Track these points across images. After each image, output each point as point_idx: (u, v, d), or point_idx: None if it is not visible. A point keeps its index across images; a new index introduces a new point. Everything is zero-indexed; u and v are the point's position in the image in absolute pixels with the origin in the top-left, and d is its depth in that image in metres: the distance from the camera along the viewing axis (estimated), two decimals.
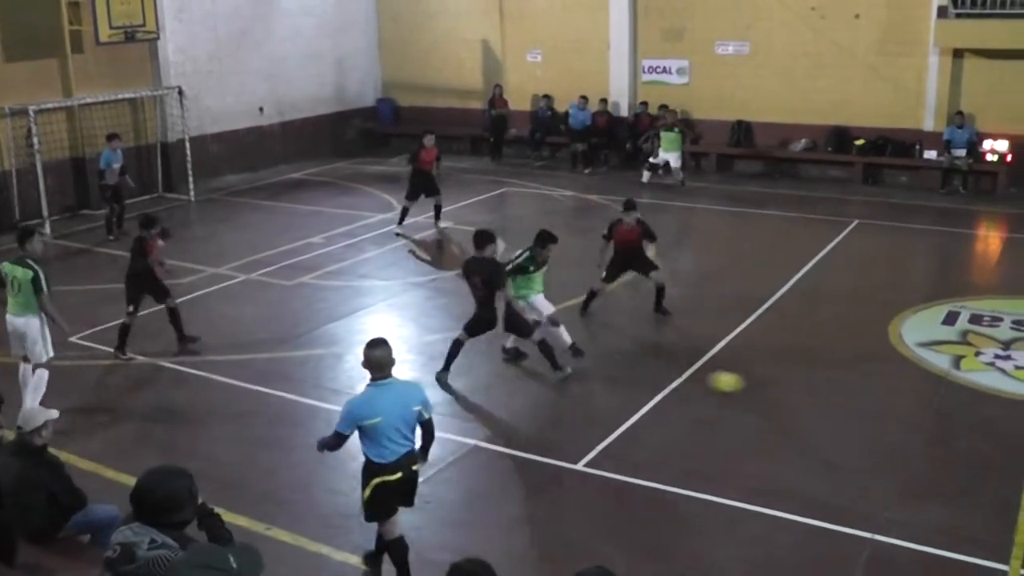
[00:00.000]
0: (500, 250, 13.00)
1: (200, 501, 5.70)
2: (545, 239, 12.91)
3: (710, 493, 9.59)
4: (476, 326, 12.52)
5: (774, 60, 25.10)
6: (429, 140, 19.84)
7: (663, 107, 24.81)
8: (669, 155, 23.94)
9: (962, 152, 23.00)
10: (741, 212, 21.86)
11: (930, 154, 23.57)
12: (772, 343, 13.64)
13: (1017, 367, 12.75)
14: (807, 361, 13.10)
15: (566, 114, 26.81)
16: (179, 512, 5.39)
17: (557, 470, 10.19)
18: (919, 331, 14.01)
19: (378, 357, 7.66)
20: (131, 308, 13.32)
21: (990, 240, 20.64)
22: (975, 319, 14.47)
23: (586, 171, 25.81)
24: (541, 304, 13.08)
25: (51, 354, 11.56)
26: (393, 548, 8.07)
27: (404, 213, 19.92)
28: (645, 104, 26.20)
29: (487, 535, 9.00)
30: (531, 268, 12.91)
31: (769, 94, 25.13)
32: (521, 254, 13.09)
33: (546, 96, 27.39)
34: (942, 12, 22.81)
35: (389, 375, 7.70)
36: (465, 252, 18.36)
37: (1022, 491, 9.55)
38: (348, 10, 29.32)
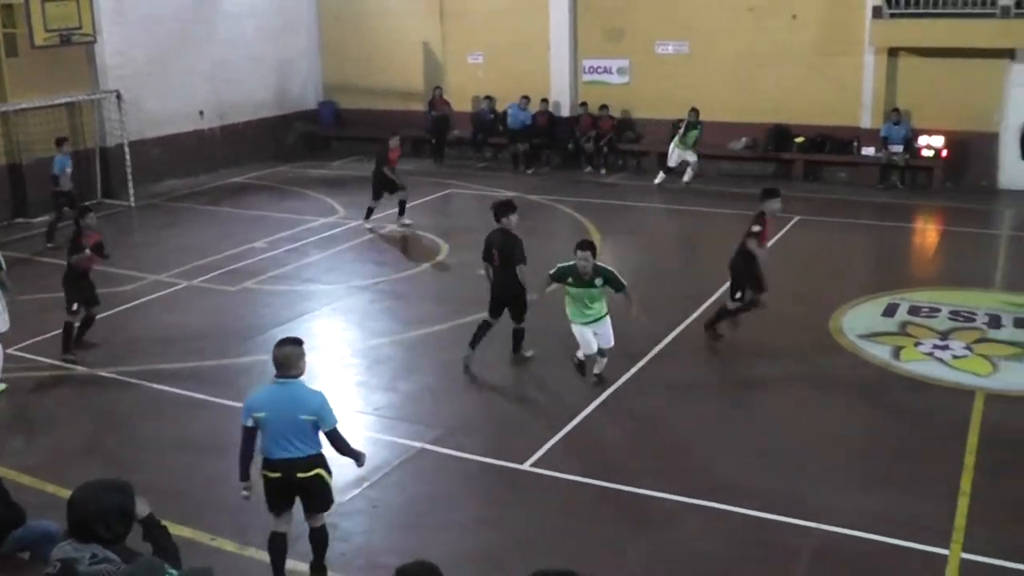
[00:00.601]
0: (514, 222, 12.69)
1: (148, 512, 5.63)
2: (592, 247, 11.73)
3: (657, 489, 9.67)
4: (494, 305, 12.66)
5: (714, 59, 25.31)
6: (395, 141, 20.27)
7: (693, 111, 23.92)
8: (688, 154, 23.72)
9: (899, 148, 23.37)
10: (682, 210, 22.03)
11: (868, 150, 23.91)
12: (714, 340, 13.75)
13: (955, 356, 13.00)
14: (750, 355, 13.23)
15: (506, 114, 26.85)
16: (107, 528, 5.26)
17: (505, 471, 10.20)
18: (860, 323, 14.22)
19: (277, 355, 7.79)
20: (74, 307, 13.24)
21: (927, 233, 20.99)
22: (914, 310, 14.71)
23: (528, 171, 25.89)
24: (580, 338, 11.97)
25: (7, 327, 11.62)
26: (270, 541, 8.04)
27: (371, 212, 20.25)
28: (585, 104, 26.30)
29: (435, 537, 8.97)
30: (569, 279, 11.76)
31: (709, 93, 25.27)
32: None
33: (488, 97, 27.42)
34: (877, 12, 23.18)
35: (291, 375, 7.77)
36: (418, 249, 18.55)
37: (961, 477, 9.75)
38: (289, 12, 29.16)
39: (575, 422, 11.17)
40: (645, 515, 9.39)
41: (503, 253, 12.35)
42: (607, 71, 26.67)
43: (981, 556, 8.43)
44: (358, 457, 8.15)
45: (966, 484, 9.62)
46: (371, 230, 20.06)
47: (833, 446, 10.64)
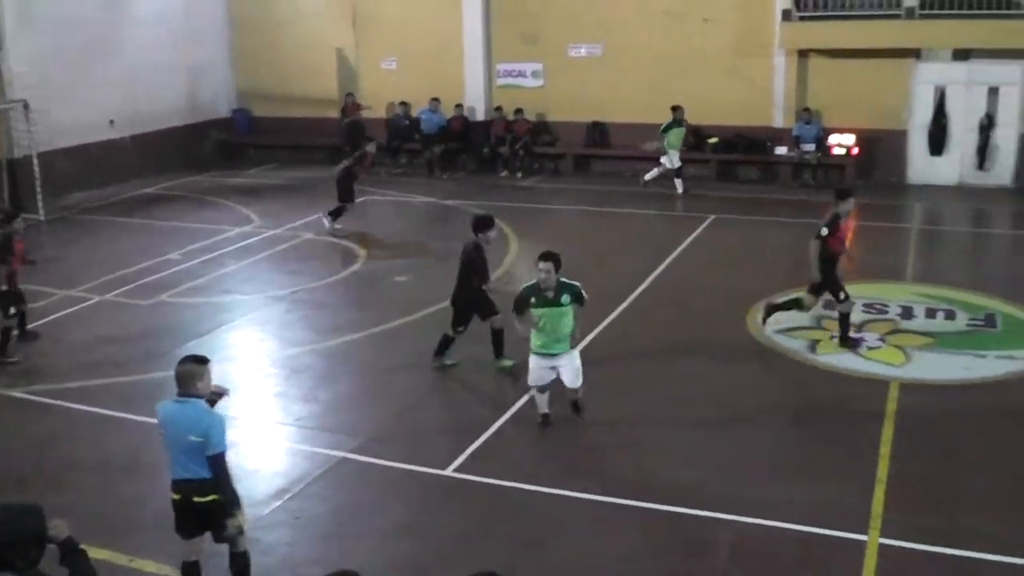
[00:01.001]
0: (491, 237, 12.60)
1: (66, 535, 5.49)
2: (555, 258, 10.58)
3: (579, 490, 9.69)
4: (454, 317, 12.60)
5: (627, 62, 25.51)
6: (372, 147, 20.88)
7: (676, 108, 23.61)
8: (674, 152, 23.51)
9: (811, 147, 23.82)
10: (599, 212, 22.18)
11: (781, 150, 24.29)
12: (634, 337, 13.87)
13: (869, 348, 13.26)
14: (669, 353, 13.35)
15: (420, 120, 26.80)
16: (23, 556, 5.07)
17: (427, 477, 10.14)
18: (775, 318, 14.35)
19: (177, 372, 7.49)
20: (11, 311, 13.34)
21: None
22: (828, 304, 14.86)
23: (444, 176, 25.86)
24: (536, 371, 10.84)
25: None
26: (182, 571, 7.78)
27: (341, 212, 20.39)
28: (500, 108, 26.36)
29: (358, 547, 8.90)
30: (532, 301, 10.53)
31: (624, 95, 25.52)
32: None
33: (403, 103, 27.29)
34: (786, 15, 23.61)
35: (190, 394, 7.41)
36: (335, 257, 18.41)
37: (878, 465, 9.93)
38: (200, 18, 28.71)
39: (496, 426, 11.15)
40: (567, 517, 9.39)
41: (462, 265, 12.32)
42: (521, 74, 26.78)
43: (898, 540, 8.61)
44: (231, 501, 7.48)
45: (883, 472, 9.80)
46: (334, 233, 20.10)
47: (752, 440, 10.76)
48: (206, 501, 7.40)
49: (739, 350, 13.36)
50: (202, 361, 7.56)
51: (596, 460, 10.44)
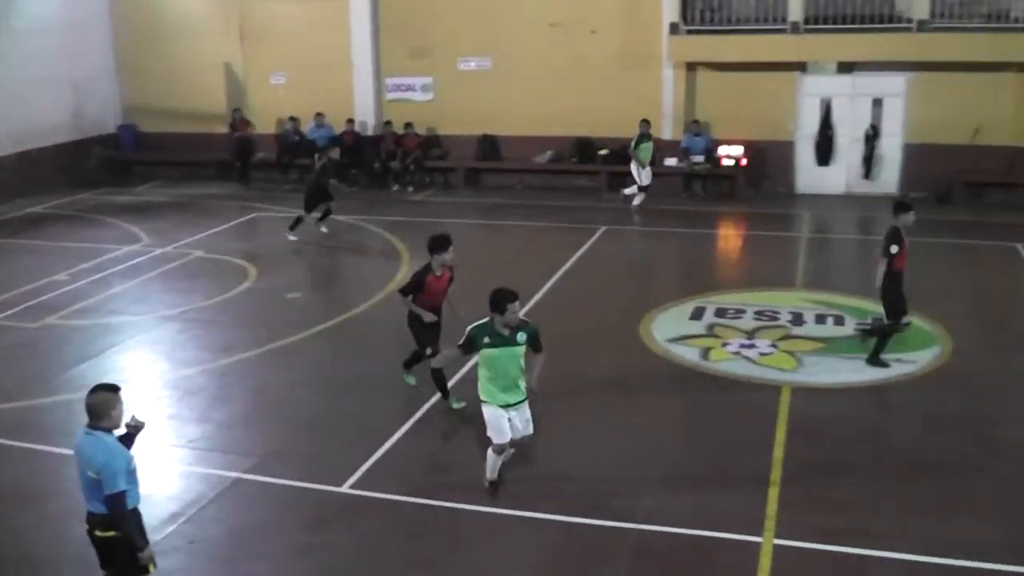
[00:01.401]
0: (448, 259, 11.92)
1: None
2: (498, 300, 9.45)
3: (476, 503, 9.67)
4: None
5: (517, 75, 25.63)
6: (336, 152, 21.44)
7: (644, 122, 23.36)
8: (644, 168, 23.14)
9: (700, 158, 24.25)
10: (491, 225, 22.22)
11: (671, 161, 24.61)
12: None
13: (761, 354, 13.48)
14: (562, 363, 13.28)
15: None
16: None
17: (323, 495, 10.02)
18: (668, 328, 14.58)
19: (87, 403, 7.08)
20: None
21: (731, 238, 21.73)
22: (720, 312, 15.18)
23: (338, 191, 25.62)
24: (494, 423, 9.56)
25: None
26: None
27: (299, 221, 20.61)
28: (390, 122, 26.26)
29: (256, 569, 8.78)
30: (486, 340, 9.43)
31: (513, 108, 25.64)
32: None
33: (292, 119, 27.03)
34: (674, 28, 23.95)
35: (100, 427, 7.00)
36: (226, 275, 18.11)
37: (771, 468, 10.11)
38: (83, 30, 27.94)
39: (391, 441, 11.07)
40: (463, 530, 9.37)
41: None
42: (411, 88, 26.73)
43: (792, 540, 8.78)
44: (138, 545, 7.07)
45: (776, 474, 9.98)
46: (295, 240, 20.23)
47: (648, 447, 10.84)
48: (107, 536, 7.09)
49: (633, 359, 13.48)
50: (115, 389, 7.16)
51: (483, 473, 10.40)
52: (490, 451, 9.65)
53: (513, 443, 9.61)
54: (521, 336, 9.46)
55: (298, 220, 20.45)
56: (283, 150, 27.14)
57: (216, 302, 16.63)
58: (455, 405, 11.78)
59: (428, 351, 11.74)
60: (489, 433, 9.55)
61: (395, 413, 11.81)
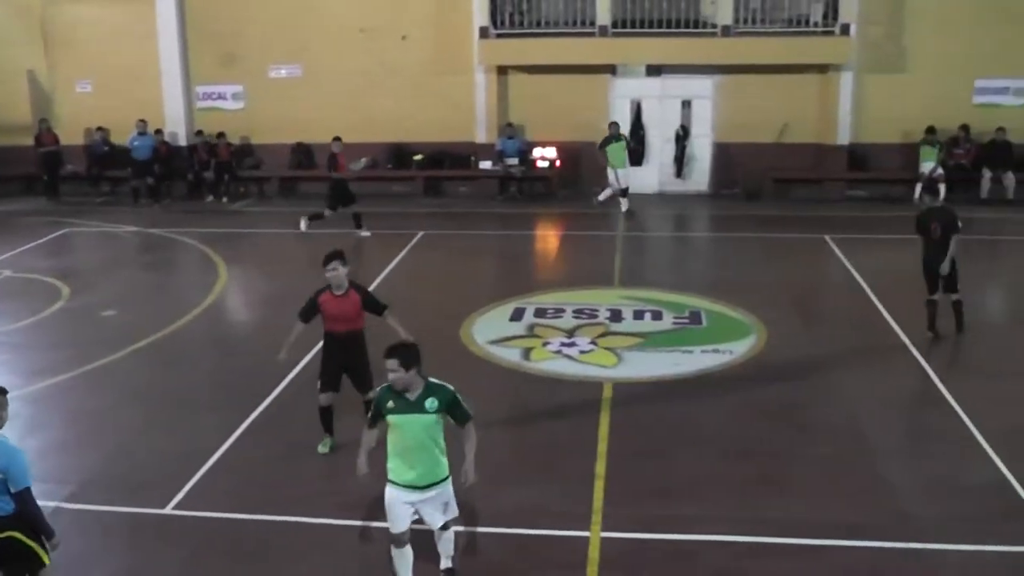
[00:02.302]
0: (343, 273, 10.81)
1: None
2: (402, 353, 7.86)
3: (302, 515, 9.40)
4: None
5: (328, 82, 25.33)
6: (337, 146, 20.85)
7: (613, 124, 23.19)
8: (619, 170, 22.70)
9: (515, 160, 24.34)
10: (307, 233, 21.77)
11: (485, 164, 24.70)
12: None
13: (582, 352, 13.50)
14: (382, 373, 13.12)
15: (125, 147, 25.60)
16: None
17: (146, 518, 9.54)
18: (489, 330, 14.49)
19: None
20: None
21: (548, 239, 21.84)
22: (540, 312, 15.18)
23: (151, 204, 24.77)
24: (392, 511, 7.93)
25: None
26: None
27: (319, 217, 20.79)
28: (201, 132, 25.52)
29: None
30: (389, 404, 7.84)
31: (326, 115, 25.26)
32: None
33: (100, 128, 26.06)
34: (483, 32, 24.00)
35: None
36: (36, 295, 17.19)
37: (596, 462, 10.11)
38: None
39: (214, 458, 10.62)
40: (291, 544, 9.02)
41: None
42: (222, 97, 26.10)
43: (619, 532, 8.78)
44: (49, 533, 7.23)
45: (601, 468, 9.98)
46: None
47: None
48: (1, 538, 7.02)
49: (455, 363, 13.26)
50: (3, 392, 7.13)
51: (315, 484, 10.09)
52: (391, 547, 8.04)
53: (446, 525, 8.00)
54: (431, 403, 7.72)
55: (318, 215, 20.53)
56: (93, 162, 26.08)
57: (27, 324, 15.69)
58: (321, 448, 10.85)
59: (370, 393, 10.16)
60: (390, 525, 8.00)
61: (217, 429, 11.33)
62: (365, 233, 20.52)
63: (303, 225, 20.80)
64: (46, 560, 7.25)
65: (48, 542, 7.25)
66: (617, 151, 22.71)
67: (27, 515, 7.08)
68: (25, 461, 7.04)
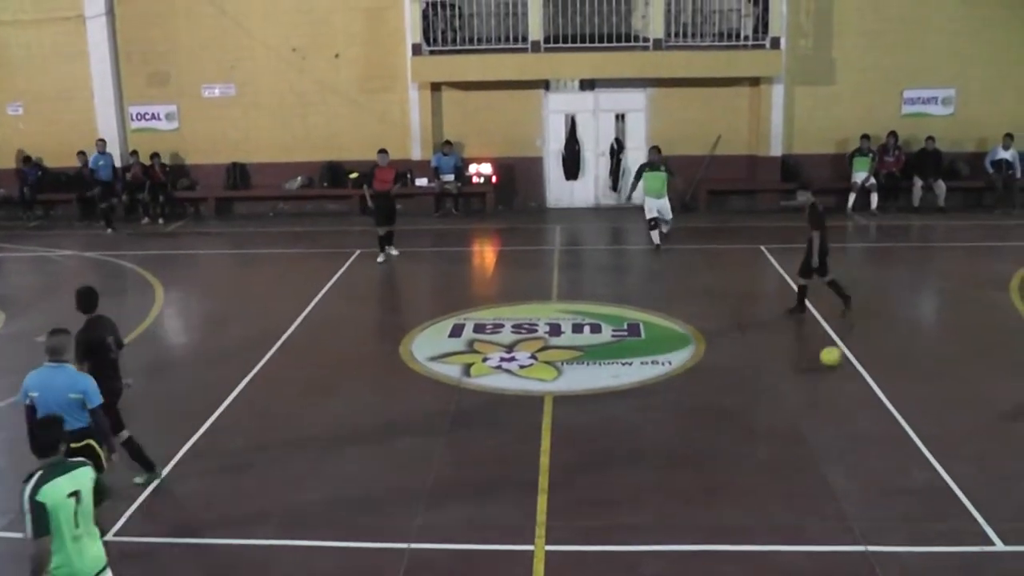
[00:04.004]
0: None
1: None
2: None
3: (244, 536, 9.28)
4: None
5: (262, 101, 25.24)
6: (384, 159, 19.99)
7: (654, 149, 20.89)
8: (658, 202, 20.29)
9: (450, 177, 24.33)
10: (244, 254, 21.70)
11: (421, 181, 24.70)
12: (289, 376, 13.49)
13: (522, 366, 13.49)
14: (323, 389, 13.08)
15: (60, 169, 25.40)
16: None
17: None
18: (428, 347, 14.44)
19: (52, 343, 8.63)
20: None
21: (485, 255, 21.83)
22: (479, 328, 15.16)
23: (108, 228, 24.34)
24: None
25: None
26: None
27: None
28: (136, 153, 25.16)
29: None
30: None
31: (261, 134, 25.24)
32: None
33: (27, 158, 25.70)
34: (416, 50, 24.00)
35: (63, 360, 8.64)
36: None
37: (539, 476, 10.09)
38: None
39: (156, 482, 10.45)
40: (233, 566, 8.93)
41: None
42: (156, 117, 25.80)
43: (563, 545, 8.77)
44: (111, 443, 8.99)
45: (543, 482, 9.96)
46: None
47: (416, 466, 10.61)
48: (81, 446, 8.58)
49: (395, 380, 13.28)
50: (68, 332, 8.87)
51: (257, 503, 9.97)
52: None
53: None
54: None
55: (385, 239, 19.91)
56: (26, 185, 25.68)
57: None
58: (137, 480, 10.44)
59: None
60: None
61: (155, 454, 11.13)
62: (394, 252, 20.25)
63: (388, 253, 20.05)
64: (105, 466, 8.80)
65: (110, 453, 8.97)
66: (656, 180, 20.14)
67: (99, 427, 8.82)
68: (95, 384, 8.78)
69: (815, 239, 15.05)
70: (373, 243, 20.03)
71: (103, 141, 24.85)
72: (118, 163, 25.46)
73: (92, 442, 8.77)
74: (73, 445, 8.17)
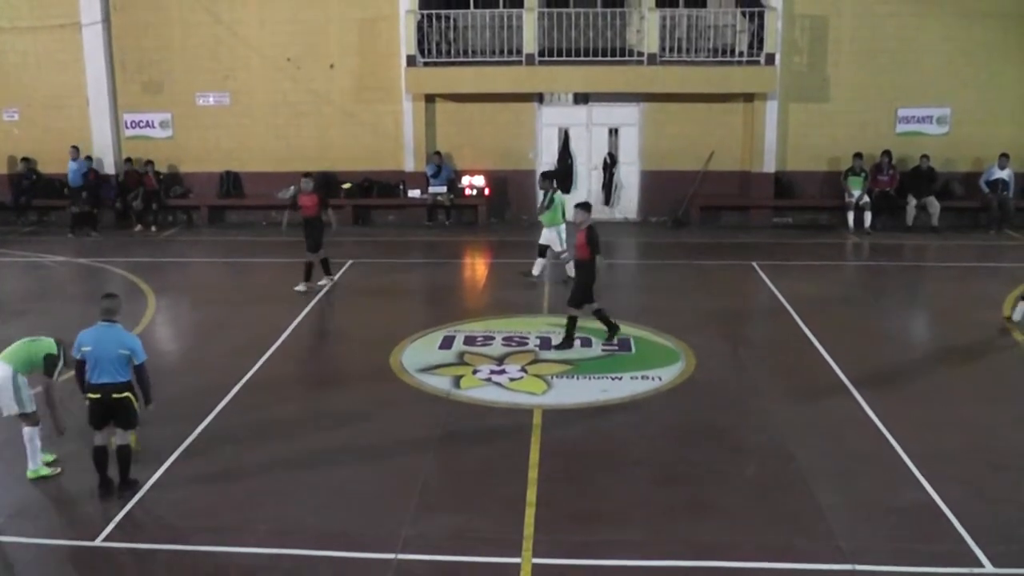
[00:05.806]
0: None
1: None
2: None
3: (232, 544, 9.24)
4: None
5: (256, 110, 25.24)
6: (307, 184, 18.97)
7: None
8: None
9: (443, 188, 24.32)
10: (237, 262, 21.65)
11: (414, 192, 24.69)
12: (281, 388, 13.46)
13: (511, 379, 13.47)
14: (313, 399, 13.08)
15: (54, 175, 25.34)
16: None
17: (76, 550, 9.36)
18: (419, 358, 14.42)
19: (106, 305, 10.19)
20: None
21: (477, 267, 21.79)
22: (469, 340, 15.14)
23: (83, 234, 24.35)
24: None
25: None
26: (94, 453, 10.17)
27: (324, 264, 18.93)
28: (130, 160, 25.22)
29: None
30: None
31: (254, 143, 25.24)
32: None
33: (24, 159, 25.69)
34: (411, 61, 24.00)
35: (115, 320, 10.13)
36: None
37: (527, 489, 10.08)
38: None
39: (145, 488, 10.41)
40: (218, 574, 8.88)
41: None
42: (150, 125, 25.76)
43: (550, 559, 8.75)
44: (149, 396, 10.26)
45: (531, 495, 9.94)
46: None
47: (404, 477, 10.60)
48: (122, 397, 10.05)
49: (385, 391, 13.24)
50: (119, 296, 10.57)
51: (247, 512, 9.93)
52: None
53: None
54: None
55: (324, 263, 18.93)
56: (19, 191, 25.65)
57: None
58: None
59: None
60: None
61: (145, 460, 11.10)
62: (323, 282, 19.59)
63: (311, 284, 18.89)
64: (139, 416, 10.23)
65: (146, 406, 10.27)
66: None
67: (143, 382, 10.17)
68: (141, 343, 10.23)
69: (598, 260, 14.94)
70: (366, 253, 20.00)
71: (76, 148, 24.93)
72: (111, 170, 25.50)
73: (131, 395, 10.05)
74: (115, 396, 9.94)
